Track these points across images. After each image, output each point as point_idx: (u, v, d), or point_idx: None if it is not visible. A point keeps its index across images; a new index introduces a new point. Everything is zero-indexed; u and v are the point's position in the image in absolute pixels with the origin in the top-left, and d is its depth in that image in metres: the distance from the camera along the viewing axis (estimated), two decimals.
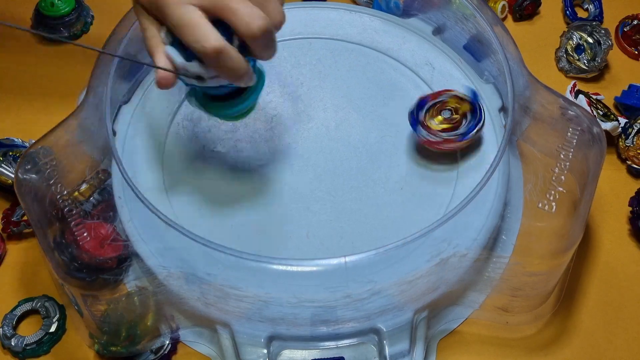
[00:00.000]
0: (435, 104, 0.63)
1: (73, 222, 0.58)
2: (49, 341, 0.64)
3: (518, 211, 0.64)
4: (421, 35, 0.73)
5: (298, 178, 0.65)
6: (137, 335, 0.61)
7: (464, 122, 0.63)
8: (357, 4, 0.79)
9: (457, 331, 0.63)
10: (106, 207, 0.62)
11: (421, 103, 0.64)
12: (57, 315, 0.64)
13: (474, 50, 0.71)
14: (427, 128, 0.63)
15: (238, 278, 0.57)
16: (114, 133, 0.65)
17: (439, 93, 0.64)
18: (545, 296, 0.62)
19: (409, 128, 0.67)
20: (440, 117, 0.63)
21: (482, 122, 0.63)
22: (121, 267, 0.60)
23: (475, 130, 0.63)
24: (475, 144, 0.66)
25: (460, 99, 0.64)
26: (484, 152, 0.65)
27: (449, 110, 0.63)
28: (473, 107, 0.63)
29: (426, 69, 0.71)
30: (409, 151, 0.66)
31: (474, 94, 0.64)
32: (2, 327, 0.64)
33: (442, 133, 0.62)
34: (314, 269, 0.56)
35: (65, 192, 0.60)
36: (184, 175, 0.65)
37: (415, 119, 0.63)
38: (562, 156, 0.61)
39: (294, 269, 0.56)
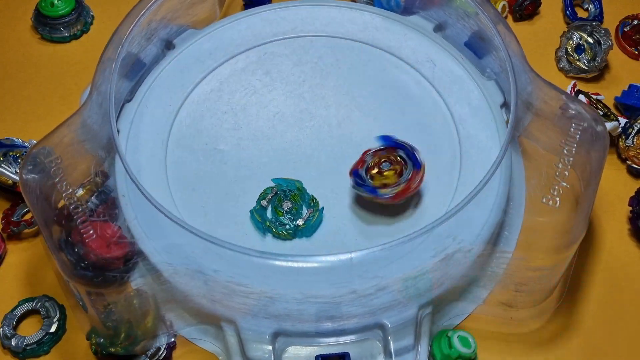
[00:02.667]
0: (368, 169, 0.62)
1: (79, 220, 0.58)
2: (49, 341, 0.63)
3: (521, 207, 0.65)
4: (422, 32, 0.73)
5: (300, 176, 0.65)
6: (137, 335, 0.60)
7: (404, 160, 0.61)
8: (358, 2, 0.79)
9: (461, 326, 0.63)
10: (110, 206, 0.62)
11: (356, 174, 0.62)
12: (58, 316, 0.64)
13: (476, 47, 0.72)
14: (386, 185, 0.61)
15: (244, 275, 0.57)
16: (117, 131, 0.65)
17: (362, 159, 0.62)
18: (549, 291, 0.62)
19: (410, 125, 0.67)
20: (385, 171, 0.61)
21: (414, 148, 0.62)
22: (127, 265, 0.60)
23: (417, 155, 0.61)
24: (477, 142, 0.66)
25: (380, 150, 0.62)
26: (486, 148, 0.66)
27: (386, 162, 0.62)
28: (397, 147, 0.62)
29: (427, 66, 0.71)
30: None
31: (385, 138, 0.62)
32: (2, 327, 0.63)
33: (401, 178, 0.61)
34: (320, 265, 0.56)
35: (71, 190, 0.60)
36: (187, 173, 0.65)
37: (370, 188, 0.61)
38: (565, 152, 0.61)
39: (300, 265, 0.56)
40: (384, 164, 0.62)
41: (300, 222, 0.62)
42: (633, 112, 0.74)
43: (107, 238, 0.59)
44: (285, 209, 0.63)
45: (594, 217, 0.70)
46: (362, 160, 0.62)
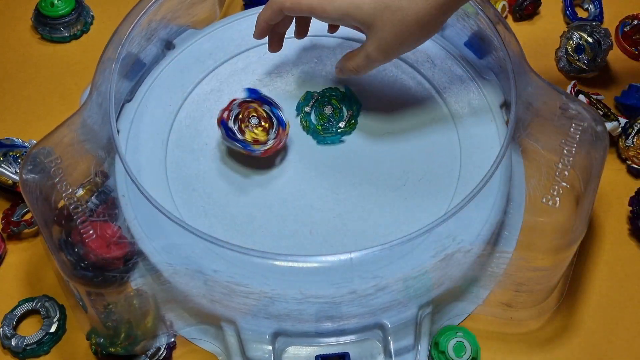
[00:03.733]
0: (236, 118, 0.63)
1: (79, 220, 0.58)
2: (49, 341, 0.63)
3: (521, 207, 0.64)
4: None
5: (301, 175, 0.65)
6: (137, 335, 0.60)
7: (270, 116, 0.64)
8: None
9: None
10: (110, 206, 0.62)
11: (224, 125, 0.63)
12: (58, 316, 0.64)
13: (476, 47, 0.72)
14: (257, 142, 0.63)
15: (244, 275, 0.57)
16: (117, 131, 0.65)
17: (228, 107, 0.64)
18: (549, 291, 0.62)
19: (410, 125, 0.67)
20: (257, 128, 0.63)
21: (279, 106, 0.64)
22: (127, 266, 0.60)
23: (281, 113, 0.64)
24: (477, 142, 0.66)
25: (247, 102, 0.64)
26: (486, 148, 0.66)
27: (254, 117, 0.64)
28: (263, 101, 0.64)
29: (427, 66, 0.71)
30: (411, 147, 0.67)
31: (252, 91, 0.65)
32: (2, 327, 0.63)
33: (270, 136, 0.63)
34: (320, 265, 0.56)
35: (71, 190, 0.60)
36: (187, 173, 0.65)
37: (243, 142, 0.63)
38: (565, 152, 0.61)
39: (300, 265, 0.56)
40: (252, 118, 0.63)
41: (342, 124, 0.65)
42: (633, 112, 0.74)
43: (107, 238, 0.59)
44: (328, 114, 0.66)
45: (594, 217, 0.70)
46: (228, 109, 0.64)
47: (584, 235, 0.58)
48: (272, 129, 0.64)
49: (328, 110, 0.67)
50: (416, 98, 0.70)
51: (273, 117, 0.64)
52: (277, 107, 0.64)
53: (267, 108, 0.64)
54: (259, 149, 0.63)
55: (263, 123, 0.64)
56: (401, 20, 0.56)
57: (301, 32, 0.67)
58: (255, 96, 0.65)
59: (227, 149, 0.67)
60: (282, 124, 0.64)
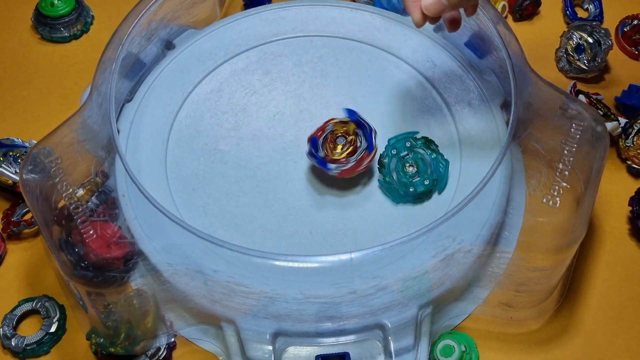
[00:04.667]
0: (326, 138, 0.63)
1: (79, 220, 0.58)
2: (49, 341, 0.63)
3: (521, 207, 0.64)
4: (422, 32, 0.73)
5: (300, 175, 0.65)
6: (137, 335, 0.60)
7: (359, 139, 0.62)
8: (358, 2, 0.79)
9: (461, 327, 0.63)
10: (110, 206, 0.62)
11: (313, 142, 0.63)
12: (58, 316, 0.64)
13: (476, 47, 0.72)
14: (335, 161, 0.62)
15: (244, 275, 0.57)
16: (117, 131, 0.65)
17: (323, 127, 0.63)
18: (549, 291, 0.62)
19: (411, 125, 0.67)
20: (339, 146, 0.62)
21: (372, 130, 0.63)
22: (127, 266, 0.60)
23: (373, 138, 0.62)
24: (477, 142, 0.66)
25: (342, 122, 0.63)
26: (487, 148, 0.66)
27: (342, 136, 0.62)
28: (358, 124, 0.63)
29: (427, 66, 0.71)
30: None
31: (350, 112, 0.63)
32: (2, 327, 0.63)
33: (350, 158, 0.62)
34: (320, 265, 0.56)
35: (71, 190, 0.60)
36: (187, 173, 0.65)
37: (320, 159, 0.62)
38: (565, 152, 0.61)
39: (301, 265, 0.56)
40: (339, 138, 0.63)
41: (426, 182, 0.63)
42: (633, 112, 0.74)
43: (107, 238, 0.59)
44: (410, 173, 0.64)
45: (594, 217, 0.70)
46: (322, 129, 0.63)
47: (584, 235, 0.58)
48: (358, 151, 0.62)
49: (411, 169, 0.64)
50: (416, 98, 0.70)
51: (363, 138, 0.63)
52: (370, 129, 0.63)
53: (359, 131, 0.63)
54: (336, 169, 0.62)
55: (348, 144, 0.62)
56: None
57: (453, 23, 0.62)
58: (352, 118, 0.63)
59: (227, 150, 0.67)
60: (370, 147, 0.62)
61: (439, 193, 0.63)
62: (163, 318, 0.62)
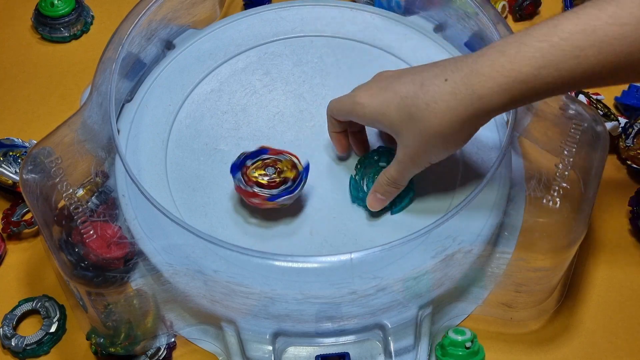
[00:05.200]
0: (268, 159, 0.62)
1: (79, 220, 0.58)
2: (49, 341, 0.63)
3: (520, 207, 0.65)
4: (423, 32, 0.73)
5: None
6: (137, 335, 0.60)
7: (282, 186, 0.61)
8: (358, 2, 0.79)
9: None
10: (110, 206, 0.62)
11: (258, 152, 0.62)
12: (57, 316, 0.64)
13: (476, 47, 0.71)
14: (245, 176, 0.61)
15: (244, 275, 0.57)
16: (117, 131, 0.65)
17: (282, 152, 0.62)
18: (549, 292, 0.62)
19: None
20: (261, 171, 0.61)
21: (293, 194, 0.61)
22: (127, 266, 0.60)
23: (283, 198, 0.60)
24: (477, 142, 0.66)
25: (293, 165, 0.62)
26: (486, 149, 0.66)
27: (274, 169, 0.61)
28: (297, 178, 0.61)
29: None
30: None
31: (307, 168, 0.62)
32: (2, 327, 0.63)
33: (255, 187, 0.60)
34: (320, 265, 0.56)
35: (71, 190, 0.60)
36: (187, 173, 0.65)
37: (239, 164, 0.61)
38: (565, 152, 0.61)
39: (301, 265, 0.56)
40: (269, 168, 0.61)
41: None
42: (633, 112, 0.74)
43: (107, 238, 0.59)
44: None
45: (594, 217, 0.70)
46: (280, 152, 0.62)
47: (584, 235, 0.58)
48: (282, 187, 0.61)
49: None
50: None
51: (296, 185, 0.61)
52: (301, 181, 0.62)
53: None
54: (248, 188, 0.60)
55: (274, 176, 0.61)
56: (423, 131, 0.54)
57: (359, 148, 0.65)
58: (302, 172, 0.62)
59: (227, 150, 0.67)
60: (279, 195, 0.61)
61: (392, 213, 0.63)
62: (163, 318, 0.62)
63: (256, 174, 0.61)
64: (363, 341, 0.60)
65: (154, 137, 0.67)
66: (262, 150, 0.62)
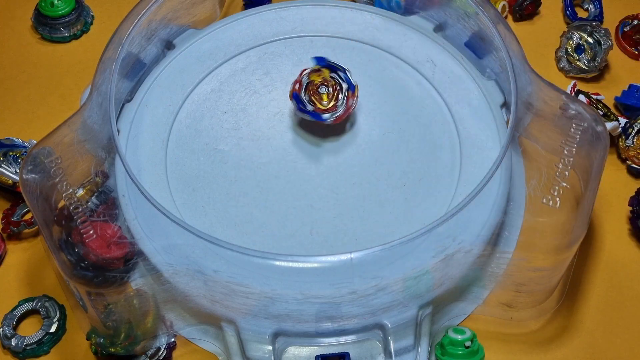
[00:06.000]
0: (307, 90, 0.65)
1: (79, 220, 0.58)
2: (49, 341, 0.63)
3: (521, 207, 0.64)
4: (422, 32, 0.73)
5: (301, 175, 0.65)
6: (137, 335, 0.60)
7: (339, 81, 0.64)
8: (358, 2, 0.79)
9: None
10: (110, 206, 0.62)
11: (297, 98, 0.65)
12: (58, 316, 0.64)
13: (476, 48, 0.71)
14: (327, 110, 0.64)
15: (244, 275, 0.57)
16: (117, 131, 0.65)
17: (298, 80, 0.65)
18: (550, 291, 0.62)
19: (411, 125, 0.67)
20: (324, 95, 0.64)
21: (346, 70, 0.65)
22: (127, 266, 0.60)
23: (350, 76, 0.64)
24: (477, 142, 0.66)
25: (315, 71, 0.65)
26: (486, 148, 0.66)
27: (322, 85, 0.64)
28: (330, 68, 0.65)
29: (427, 66, 0.71)
30: (411, 148, 0.67)
31: (319, 59, 0.65)
32: (2, 327, 0.63)
33: (339, 103, 0.64)
34: (320, 265, 0.56)
35: (71, 190, 0.60)
36: (187, 173, 0.65)
37: (313, 113, 0.64)
38: (565, 152, 0.61)
39: (301, 265, 0.56)
40: (321, 87, 0.64)
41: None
42: (633, 112, 0.74)
43: (107, 238, 0.59)
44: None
45: (594, 217, 0.70)
46: (299, 81, 0.65)
47: (584, 235, 0.58)
48: (342, 95, 0.64)
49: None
50: (416, 98, 0.70)
51: (342, 82, 0.64)
52: (344, 70, 0.65)
53: (334, 75, 0.65)
54: (331, 117, 0.64)
55: (332, 90, 0.64)
56: None
57: None
58: (324, 64, 0.65)
59: (227, 150, 0.67)
60: (351, 87, 0.64)
61: None
62: (163, 318, 0.62)
63: (327, 101, 0.64)
64: (363, 341, 0.60)
65: (154, 137, 0.67)
66: (296, 95, 0.65)
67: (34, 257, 0.68)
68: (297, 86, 0.65)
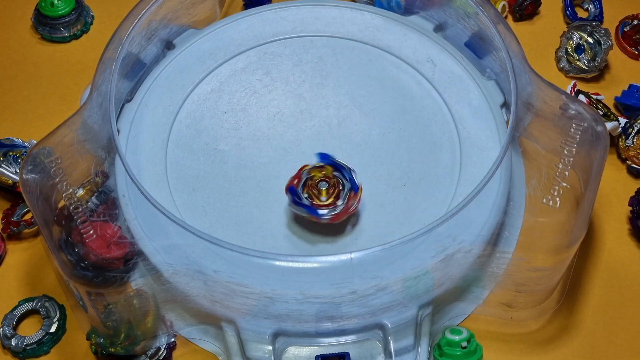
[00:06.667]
0: (305, 185, 0.61)
1: (79, 220, 0.58)
2: (49, 341, 0.63)
3: (521, 207, 0.64)
4: (423, 32, 0.73)
5: None
6: (137, 335, 0.60)
7: (341, 180, 0.61)
8: (358, 2, 0.79)
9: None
10: (110, 206, 0.62)
11: (293, 191, 0.61)
12: (58, 316, 0.64)
13: (476, 48, 0.71)
14: (324, 207, 0.60)
15: (244, 275, 0.57)
16: (117, 131, 0.65)
17: (298, 175, 0.62)
18: (550, 291, 0.62)
19: (410, 125, 0.67)
20: (323, 191, 0.60)
21: (351, 170, 0.61)
22: (127, 266, 0.60)
23: (354, 177, 0.61)
24: (477, 142, 0.66)
25: (318, 167, 0.61)
26: (486, 148, 0.66)
27: (323, 181, 0.61)
28: (334, 166, 0.61)
29: (428, 66, 0.71)
30: (410, 148, 0.67)
31: (323, 156, 0.62)
32: (2, 327, 0.63)
33: (338, 201, 0.60)
34: (320, 265, 0.56)
35: (71, 190, 0.60)
36: (187, 173, 0.65)
37: (309, 207, 0.60)
38: (565, 152, 0.61)
39: (300, 265, 0.56)
40: (321, 183, 0.61)
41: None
42: (633, 112, 0.74)
43: (107, 238, 0.59)
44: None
45: (594, 217, 0.70)
46: (298, 177, 0.61)
47: (584, 235, 0.58)
48: (343, 193, 0.60)
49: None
50: (416, 98, 0.70)
51: (344, 180, 0.61)
52: (349, 170, 0.61)
53: (338, 173, 0.61)
54: (329, 214, 0.60)
55: (331, 187, 0.61)
56: None
57: None
58: (327, 161, 0.62)
59: (227, 150, 0.67)
60: (354, 187, 0.61)
61: None
62: (163, 318, 0.62)
63: (325, 197, 0.60)
64: (363, 341, 0.60)
65: (154, 137, 0.67)
66: (292, 189, 0.61)
67: (34, 257, 0.68)
68: (295, 181, 0.61)
